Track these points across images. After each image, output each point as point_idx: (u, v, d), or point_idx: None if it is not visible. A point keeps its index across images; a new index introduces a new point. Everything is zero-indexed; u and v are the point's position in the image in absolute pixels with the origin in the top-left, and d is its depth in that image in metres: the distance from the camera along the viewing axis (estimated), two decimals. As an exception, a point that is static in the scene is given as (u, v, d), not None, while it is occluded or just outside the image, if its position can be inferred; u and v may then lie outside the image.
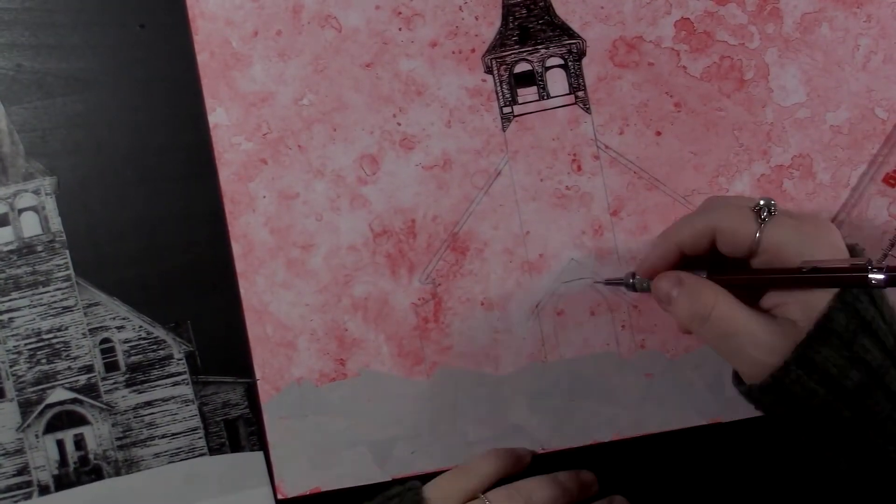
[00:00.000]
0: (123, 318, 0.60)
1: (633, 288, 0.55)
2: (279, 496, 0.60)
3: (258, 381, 0.60)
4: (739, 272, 0.51)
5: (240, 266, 0.60)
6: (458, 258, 0.60)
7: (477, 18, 0.59)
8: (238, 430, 0.60)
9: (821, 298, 0.48)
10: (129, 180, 0.60)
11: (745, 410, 0.59)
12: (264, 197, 0.60)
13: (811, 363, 0.47)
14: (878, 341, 0.47)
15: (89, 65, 0.60)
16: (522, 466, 0.58)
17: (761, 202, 0.50)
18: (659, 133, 0.59)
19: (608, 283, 0.59)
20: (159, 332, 0.60)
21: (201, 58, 0.59)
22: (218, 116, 0.59)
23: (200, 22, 0.59)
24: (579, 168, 0.60)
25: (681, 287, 0.51)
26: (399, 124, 0.59)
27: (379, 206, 0.60)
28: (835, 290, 0.47)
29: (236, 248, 0.60)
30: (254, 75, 0.59)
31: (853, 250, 0.50)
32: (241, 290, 0.60)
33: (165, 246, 0.60)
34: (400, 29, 0.59)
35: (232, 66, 0.59)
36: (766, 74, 0.59)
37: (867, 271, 0.47)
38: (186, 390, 0.60)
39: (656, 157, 0.59)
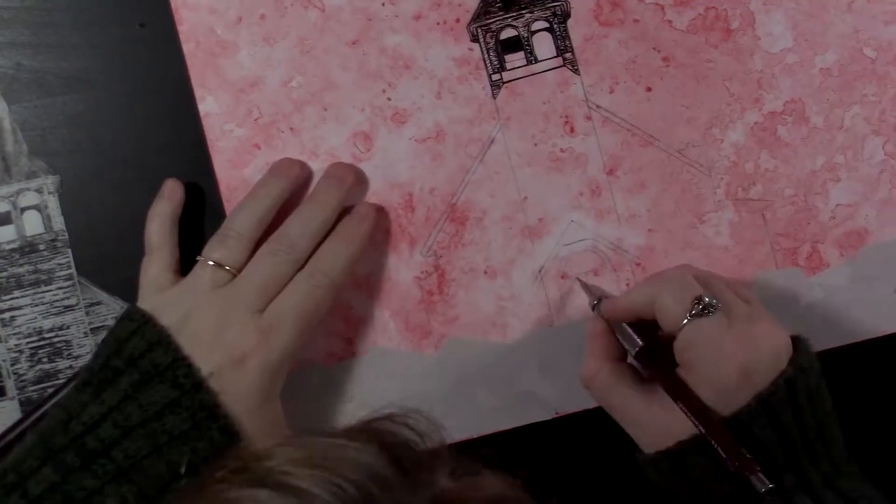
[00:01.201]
0: (126, 318, 0.60)
1: (592, 308, 0.56)
2: (296, 480, 0.60)
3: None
4: (663, 365, 0.51)
5: (240, 253, 0.59)
6: (457, 229, 0.60)
7: (459, -12, 0.59)
8: None
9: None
10: (130, 179, 0.60)
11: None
12: (260, 182, 0.59)
13: (684, 465, 0.50)
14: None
15: (89, 64, 0.60)
16: (178, 197, 0.57)
17: (705, 298, 0.50)
18: (649, 89, 0.59)
19: (583, 286, 0.58)
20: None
21: (187, 48, 0.59)
22: (208, 105, 0.59)
23: (184, 12, 0.59)
24: (572, 130, 0.59)
25: (588, 341, 0.54)
26: (389, 99, 0.59)
27: (375, 182, 0.59)
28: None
29: (236, 235, 0.59)
30: (241, 61, 0.59)
31: (797, 349, 0.50)
32: (244, 277, 0.59)
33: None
34: (383, 4, 0.59)
35: (218, 54, 0.59)
36: (751, 22, 0.59)
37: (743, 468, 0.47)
38: None
39: (649, 114, 0.59)
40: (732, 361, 0.49)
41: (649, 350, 0.52)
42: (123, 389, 0.50)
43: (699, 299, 0.50)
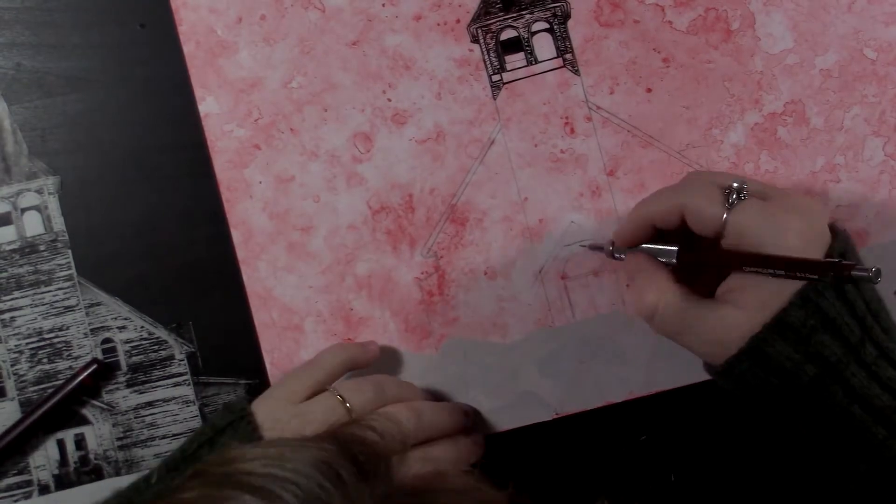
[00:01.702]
0: (125, 319, 0.60)
1: (612, 256, 0.55)
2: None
3: (267, 367, 0.60)
4: (705, 252, 0.51)
5: (240, 253, 0.59)
6: (458, 230, 0.60)
7: (459, -11, 0.59)
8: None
9: (780, 290, 0.48)
10: (130, 179, 0.60)
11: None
12: (260, 182, 0.59)
13: (764, 355, 0.48)
14: (839, 337, 0.47)
15: (90, 64, 0.60)
16: (370, 357, 0.57)
17: (734, 184, 0.49)
18: (649, 90, 0.59)
19: (592, 248, 0.58)
20: (161, 333, 0.60)
21: (187, 48, 0.59)
22: (208, 105, 0.59)
23: (184, 12, 0.59)
24: (572, 131, 0.59)
25: (632, 282, 0.53)
26: (389, 100, 0.59)
27: (375, 183, 0.59)
28: (799, 284, 0.47)
29: (236, 236, 0.59)
30: (241, 62, 0.59)
31: (834, 231, 0.49)
32: (244, 277, 0.59)
33: (167, 245, 0.60)
34: (383, 5, 0.59)
35: (218, 54, 0.59)
36: (752, 23, 0.59)
37: (822, 268, 0.46)
38: (188, 391, 0.60)
39: (649, 114, 0.59)
40: (791, 229, 0.48)
41: (688, 247, 0.52)
42: None
43: (729, 189, 0.49)
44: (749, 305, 0.48)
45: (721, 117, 0.59)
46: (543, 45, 0.60)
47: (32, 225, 0.59)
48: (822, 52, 0.59)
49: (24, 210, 0.59)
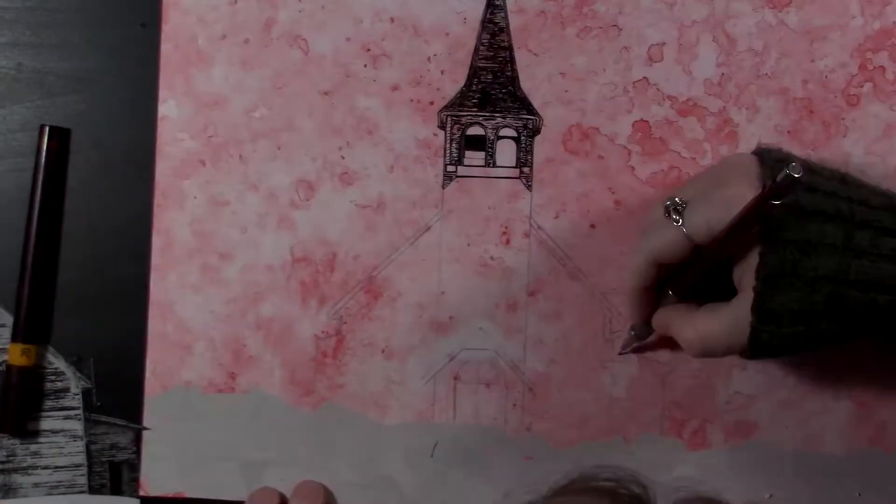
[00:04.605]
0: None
1: (640, 337, 0.58)
2: (141, 493, 0.60)
3: (146, 376, 0.60)
4: (687, 268, 0.53)
5: (156, 259, 0.60)
6: (369, 301, 0.60)
7: (443, 73, 0.59)
8: (121, 473, 0.60)
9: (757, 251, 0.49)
10: (130, 180, 0.60)
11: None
12: (195, 198, 0.60)
13: (771, 313, 0.49)
14: (823, 247, 0.48)
15: (90, 64, 0.60)
16: None
17: (666, 203, 0.51)
18: (593, 226, 0.59)
19: (622, 353, 0.59)
20: (60, 364, 0.60)
21: (165, 48, 0.59)
22: (168, 108, 0.59)
23: (172, 13, 0.59)
24: (508, 241, 0.60)
25: (671, 333, 0.54)
26: (343, 157, 0.60)
27: (304, 232, 0.60)
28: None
29: (156, 241, 0.60)
30: (213, 77, 0.59)
31: (760, 158, 0.50)
32: (151, 283, 0.59)
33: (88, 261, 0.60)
34: (365, 65, 0.59)
35: (193, 63, 0.59)
36: (709, 193, 0.59)
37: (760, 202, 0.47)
38: (77, 426, 0.60)
39: (586, 249, 0.59)
40: (736, 193, 0.49)
41: (679, 274, 0.54)
42: None
43: (667, 211, 0.51)
44: (752, 280, 0.49)
45: (653, 273, 0.59)
46: (506, 152, 0.60)
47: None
48: (767, 242, 0.59)
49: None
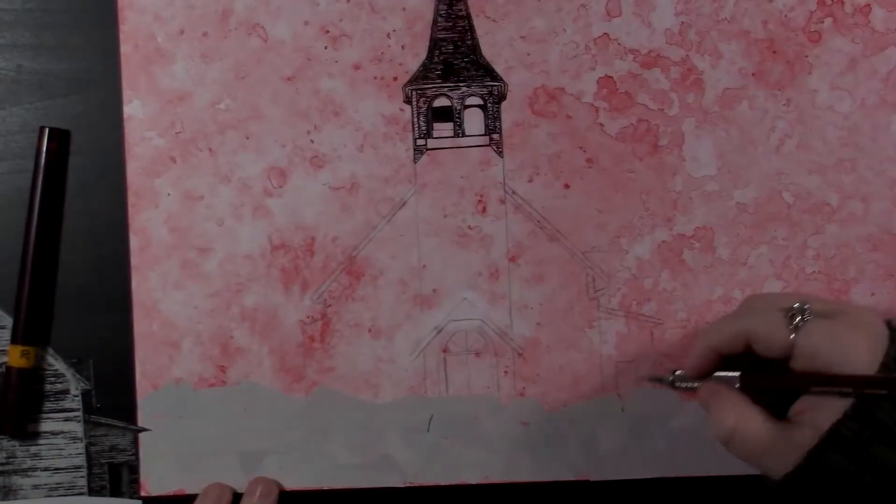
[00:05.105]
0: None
1: (673, 387, 0.55)
2: (142, 493, 0.60)
3: (137, 378, 0.60)
4: (769, 376, 0.51)
5: (135, 260, 0.60)
6: (352, 282, 0.60)
7: (403, 48, 0.59)
8: (121, 475, 0.60)
9: (845, 405, 0.48)
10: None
11: (611, 472, 0.59)
12: (168, 195, 0.60)
13: (820, 468, 0.48)
14: None
15: (90, 65, 0.60)
16: None
17: (795, 305, 0.49)
18: (567, 186, 0.59)
19: (651, 379, 0.58)
20: (60, 366, 0.60)
21: (125, 48, 0.59)
22: (133, 108, 0.59)
23: (128, 13, 0.59)
24: (484, 210, 0.60)
25: (709, 405, 0.52)
26: (312, 141, 0.60)
27: (281, 219, 0.60)
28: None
29: (133, 242, 0.60)
30: (175, 73, 0.59)
31: (892, 331, 0.49)
32: (133, 284, 0.59)
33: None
34: (325, 47, 0.59)
35: (154, 60, 0.59)
36: (680, 143, 0.59)
37: (888, 383, 0.46)
38: (77, 427, 0.60)
39: (561, 210, 0.59)
40: (857, 347, 0.48)
41: (752, 369, 0.52)
42: None
43: (792, 311, 0.49)
44: (818, 424, 0.48)
45: (631, 228, 0.59)
46: (473, 121, 0.60)
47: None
48: (742, 186, 0.59)
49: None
